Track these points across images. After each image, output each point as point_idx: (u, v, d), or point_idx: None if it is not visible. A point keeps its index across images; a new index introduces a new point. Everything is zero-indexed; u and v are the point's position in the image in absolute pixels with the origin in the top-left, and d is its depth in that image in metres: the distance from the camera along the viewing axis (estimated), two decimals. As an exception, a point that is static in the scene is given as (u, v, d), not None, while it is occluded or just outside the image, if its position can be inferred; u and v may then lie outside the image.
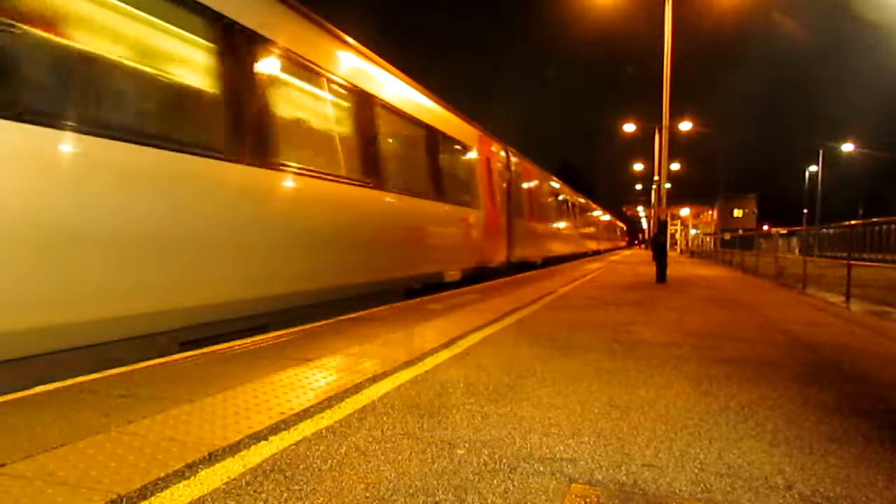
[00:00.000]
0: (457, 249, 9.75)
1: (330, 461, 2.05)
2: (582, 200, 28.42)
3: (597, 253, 33.51)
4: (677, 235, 46.24)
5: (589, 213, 31.31)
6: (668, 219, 22.82)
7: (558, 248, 20.54)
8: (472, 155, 10.96)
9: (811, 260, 10.68)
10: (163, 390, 2.88)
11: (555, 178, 20.79)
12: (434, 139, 8.90)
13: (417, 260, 8.03)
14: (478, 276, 10.76)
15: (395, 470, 1.98)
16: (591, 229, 32.07)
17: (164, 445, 2.12)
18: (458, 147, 10.19)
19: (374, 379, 3.16)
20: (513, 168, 13.96)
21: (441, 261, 8.92)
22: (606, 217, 44.10)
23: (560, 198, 21.42)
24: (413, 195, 7.81)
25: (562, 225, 21.74)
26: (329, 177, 5.71)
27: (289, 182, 5.06)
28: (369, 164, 6.55)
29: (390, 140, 7.47)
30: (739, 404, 2.81)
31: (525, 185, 15.30)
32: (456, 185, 9.86)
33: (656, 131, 23.85)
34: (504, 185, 12.94)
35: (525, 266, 14.73)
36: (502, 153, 13.27)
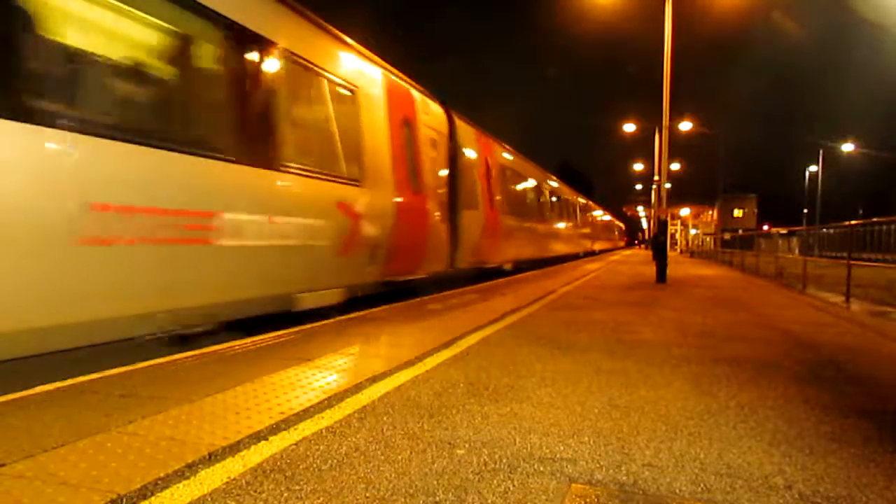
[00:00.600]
0: (322, 255, 5.59)
1: (330, 461, 2.05)
2: (570, 193, 24.77)
3: (591, 254, 31.11)
4: (677, 235, 46.23)
5: (579, 209, 27.89)
6: (668, 219, 22.42)
7: (537, 249, 16.74)
8: (365, 101, 6.56)
9: (811, 260, 10.68)
10: (163, 390, 2.88)
11: (534, 165, 17.28)
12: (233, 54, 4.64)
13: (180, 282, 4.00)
14: (386, 294, 7.17)
15: (395, 470, 1.98)
16: (582, 228, 28.48)
17: (164, 445, 2.12)
18: (319, 81, 5.76)
19: (374, 379, 3.16)
20: (460, 140, 9.99)
21: (278, 279, 4.99)
22: (601, 214, 40.90)
23: (541, 189, 17.89)
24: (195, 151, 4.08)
25: (543, 221, 18.10)
26: None
27: None
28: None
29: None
30: (739, 404, 2.81)
31: (483, 167, 11.41)
32: (316, 144, 5.83)
33: (656, 131, 23.86)
34: (440, 158, 9.03)
35: (485, 274, 11.36)
36: (435, 111, 9.11)
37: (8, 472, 1.89)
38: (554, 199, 20.03)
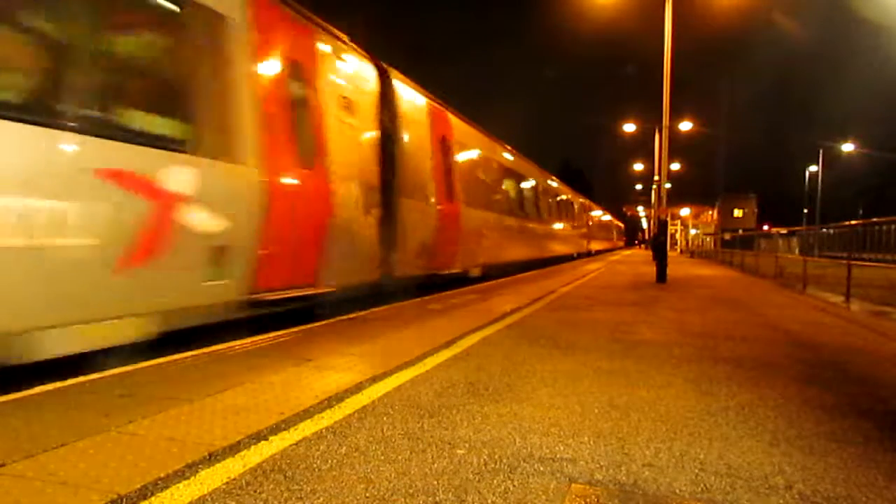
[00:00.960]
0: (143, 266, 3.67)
1: (330, 461, 2.05)
2: (557, 185, 21.76)
3: (586, 255, 28.70)
4: (677, 235, 46.24)
5: (574, 206, 25.29)
6: (669, 219, 22.27)
7: (513, 251, 13.85)
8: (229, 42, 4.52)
9: (811, 260, 10.69)
10: (163, 390, 2.88)
11: (512, 150, 14.57)
12: None
13: None
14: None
15: (395, 470, 1.98)
16: (576, 226, 25.80)
17: (164, 445, 2.12)
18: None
19: (374, 379, 3.16)
20: (403, 110, 7.75)
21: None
22: (600, 213, 38.89)
23: (523, 179, 15.36)
24: None
25: (526, 217, 15.38)
26: None
27: None
28: None
29: None
30: (739, 404, 2.81)
31: (437, 145, 8.96)
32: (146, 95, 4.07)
33: (656, 131, 23.86)
34: (363, 126, 6.64)
35: (442, 284, 8.93)
36: (367, 70, 6.93)
37: (8, 472, 1.89)
38: (541, 192, 17.81)
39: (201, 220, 4.11)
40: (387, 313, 5.96)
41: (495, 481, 1.90)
